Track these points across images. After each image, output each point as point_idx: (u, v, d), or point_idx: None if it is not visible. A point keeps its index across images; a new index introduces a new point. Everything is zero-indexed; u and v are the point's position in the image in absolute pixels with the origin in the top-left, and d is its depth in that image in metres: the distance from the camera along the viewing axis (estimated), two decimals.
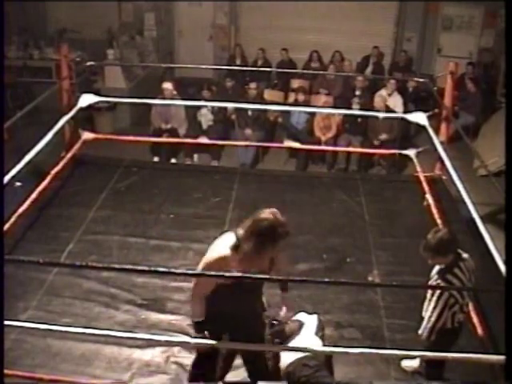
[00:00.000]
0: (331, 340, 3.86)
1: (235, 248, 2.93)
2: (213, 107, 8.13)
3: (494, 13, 10.75)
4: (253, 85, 8.71)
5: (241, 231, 2.95)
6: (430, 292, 3.56)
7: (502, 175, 5.60)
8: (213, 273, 2.80)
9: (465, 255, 3.59)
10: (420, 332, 3.57)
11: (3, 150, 3.76)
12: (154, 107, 7.96)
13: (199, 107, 8.13)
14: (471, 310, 4.11)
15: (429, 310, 3.52)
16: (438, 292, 3.49)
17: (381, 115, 7.70)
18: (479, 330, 3.97)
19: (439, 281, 3.48)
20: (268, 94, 9.67)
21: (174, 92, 7.71)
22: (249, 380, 3.25)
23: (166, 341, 3.37)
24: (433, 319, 3.48)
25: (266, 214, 2.92)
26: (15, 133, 6.50)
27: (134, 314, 4.15)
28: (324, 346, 3.44)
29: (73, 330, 3.13)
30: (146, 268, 3.66)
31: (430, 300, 3.54)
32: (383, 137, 7.86)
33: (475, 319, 4.05)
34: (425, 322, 3.54)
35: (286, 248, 4.93)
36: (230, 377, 3.42)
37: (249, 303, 3.13)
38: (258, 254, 2.90)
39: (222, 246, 2.98)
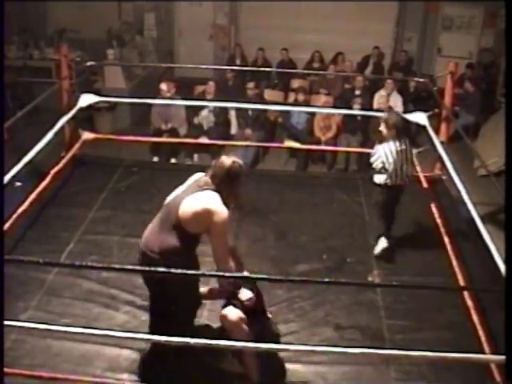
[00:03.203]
0: (331, 341, 3.86)
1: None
2: (214, 108, 8.13)
3: (494, 13, 10.75)
4: (251, 84, 8.71)
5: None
6: None
7: (502, 175, 5.59)
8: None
9: (414, 150, 4.85)
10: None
11: (3, 149, 3.76)
12: (154, 107, 7.96)
13: (200, 109, 8.12)
14: (472, 309, 4.12)
15: None
16: None
17: (381, 115, 7.68)
18: (479, 330, 3.96)
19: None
20: (268, 94, 9.67)
21: (173, 90, 7.71)
22: None
23: (166, 341, 3.35)
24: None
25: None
26: (15, 133, 6.50)
27: (135, 315, 4.14)
28: None
29: (72, 330, 3.12)
30: (146, 268, 3.65)
31: None
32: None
33: (475, 319, 4.05)
34: None
35: (286, 248, 4.98)
36: None
37: None
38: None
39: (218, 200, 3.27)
